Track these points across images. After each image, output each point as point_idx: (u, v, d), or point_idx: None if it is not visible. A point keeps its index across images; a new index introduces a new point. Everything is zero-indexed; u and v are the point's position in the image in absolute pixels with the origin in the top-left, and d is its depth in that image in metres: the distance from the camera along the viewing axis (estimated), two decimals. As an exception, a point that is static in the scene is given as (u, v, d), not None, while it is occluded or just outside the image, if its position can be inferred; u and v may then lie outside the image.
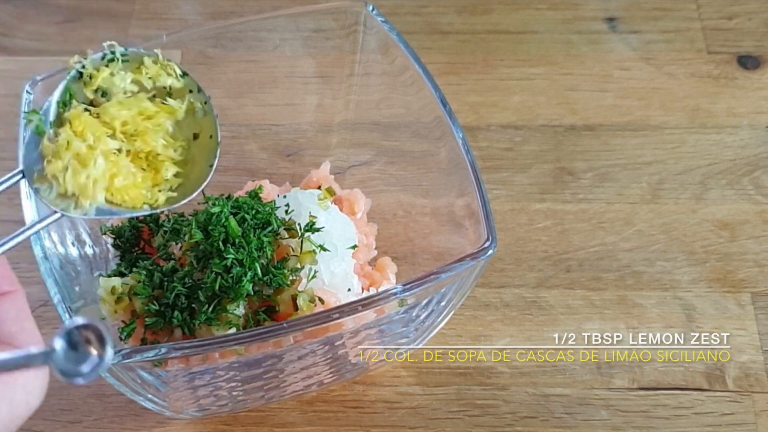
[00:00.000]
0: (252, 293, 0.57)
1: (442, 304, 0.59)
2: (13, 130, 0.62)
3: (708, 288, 0.68)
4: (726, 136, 0.76)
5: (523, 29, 0.84)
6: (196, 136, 0.55)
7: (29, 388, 0.42)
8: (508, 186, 0.73)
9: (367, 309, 0.53)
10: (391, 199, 0.68)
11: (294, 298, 0.57)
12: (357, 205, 0.65)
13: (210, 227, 0.58)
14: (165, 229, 0.61)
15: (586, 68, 0.81)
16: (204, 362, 0.54)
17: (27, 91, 0.61)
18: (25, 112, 0.56)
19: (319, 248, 0.59)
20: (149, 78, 0.55)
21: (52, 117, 0.52)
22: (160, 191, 0.53)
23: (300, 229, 0.59)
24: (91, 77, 0.53)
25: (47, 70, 0.64)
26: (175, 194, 0.53)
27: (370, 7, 0.66)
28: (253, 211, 0.58)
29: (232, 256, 0.56)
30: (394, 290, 0.53)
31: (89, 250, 0.63)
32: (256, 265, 0.57)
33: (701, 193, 0.73)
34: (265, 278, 0.57)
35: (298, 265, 0.58)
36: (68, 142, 0.51)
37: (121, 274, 0.60)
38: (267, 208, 0.59)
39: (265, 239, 0.58)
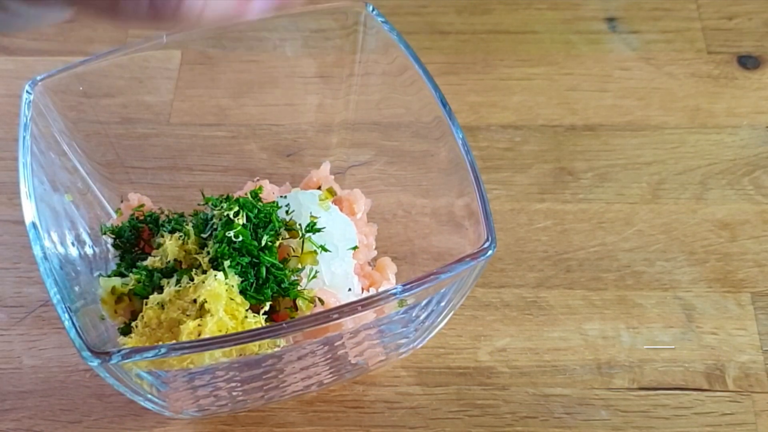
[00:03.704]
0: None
1: (442, 304, 0.59)
2: (13, 130, 0.62)
3: (708, 288, 0.68)
4: (726, 136, 0.76)
5: (523, 29, 0.84)
6: None
7: None
8: (508, 186, 0.73)
9: (366, 309, 0.53)
10: (391, 199, 0.68)
11: (294, 299, 0.58)
12: (357, 205, 0.65)
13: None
14: (165, 229, 0.61)
15: (586, 68, 0.81)
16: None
17: (27, 91, 0.61)
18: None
19: (321, 249, 0.59)
20: None
21: None
22: None
23: (301, 229, 0.59)
24: None
25: (47, 70, 0.64)
26: None
27: (370, 7, 0.66)
28: (255, 211, 0.59)
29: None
30: (393, 290, 0.53)
31: (89, 250, 0.63)
32: (263, 268, 0.57)
33: (701, 193, 0.73)
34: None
35: (299, 266, 0.59)
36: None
37: (121, 274, 0.60)
38: (267, 208, 0.59)
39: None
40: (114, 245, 0.63)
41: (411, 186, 0.67)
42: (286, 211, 0.60)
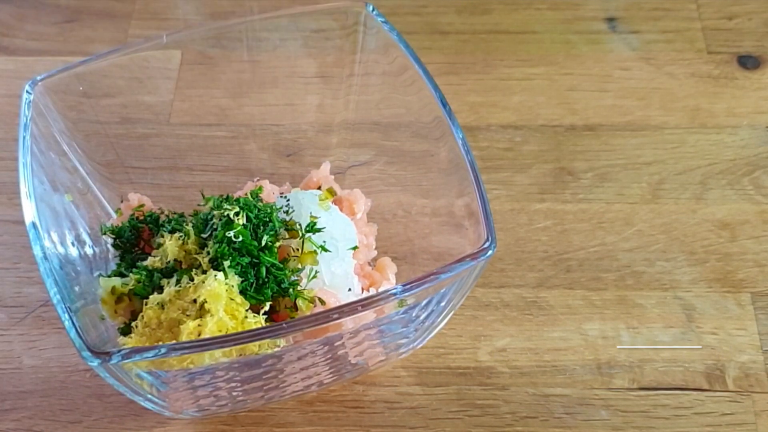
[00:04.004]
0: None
1: (442, 304, 0.59)
2: (13, 130, 0.62)
3: (708, 288, 0.68)
4: (726, 136, 0.76)
5: (523, 29, 0.84)
6: None
7: None
8: (508, 186, 0.73)
9: (366, 309, 0.53)
10: (391, 199, 0.68)
11: (294, 299, 0.57)
12: (357, 205, 0.65)
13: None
14: (165, 229, 0.61)
15: (586, 68, 0.81)
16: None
17: (27, 91, 0.61)
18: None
19: (321, 249, 0.59)
20: None
21: None
22: None
23: (301, 229, 0.59)
24: None
25: (47, 70, 0.64)
26: None
27: (370, 7, 0.66)
28: (255, 211, 0.59)
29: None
30: (393, 290, 0.53)
31: (89, 250, 0.63)
32: (263, 268, 0.57)
33: (701, 193, 0.73)
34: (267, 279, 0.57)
35: (299, 266, 0.59)
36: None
37: (121, 274, 0.60)
38: (267, 208, 0.59)
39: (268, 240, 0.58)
40: (114, 245, 0.63)
41: (411, 186, 0.67)
42: (286, 212, 0.60)
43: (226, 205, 0.58)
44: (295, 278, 0.58)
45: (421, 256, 0.66)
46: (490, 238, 0.55)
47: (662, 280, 0.68)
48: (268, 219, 0.58)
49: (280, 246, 0.59)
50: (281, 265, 0.58)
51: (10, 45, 0.83)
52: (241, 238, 0.57)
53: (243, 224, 0.57)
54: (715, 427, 0.61)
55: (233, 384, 0.59)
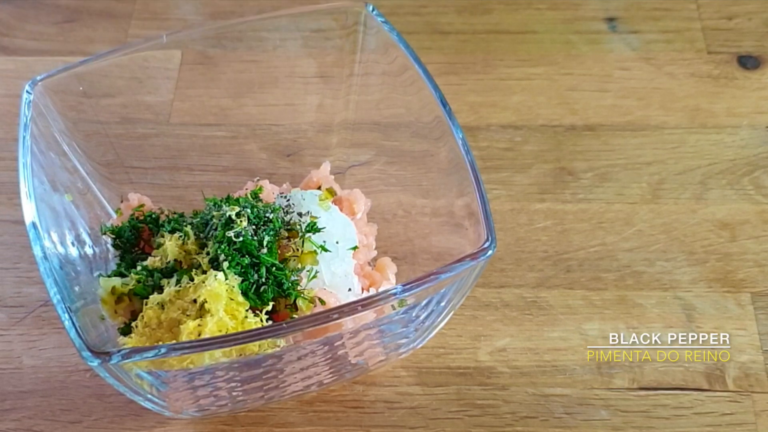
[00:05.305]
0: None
1: (442, 304, 0.59)
2: (13, 130, 0.62)
3: (708, 288, 0.68)
4: (726, 136, 0.76)
5: (523, 29, 0.84)
6: None
7: None
8: (508, 186, 0.73)
9: (366, 309, 0.53)
10: (391, 199, 0.68)
11: (294, 299, 0.57)
12: (357, 205, 0.65)
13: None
14: (165, 229, 0.61)
15: (586, 68, 0.81)
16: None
17: (27, 91, 0.62)
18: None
19: (321, 249, 0.59)
20: None
21: None
22: None
23: (301, 229, 0.59)
24: None
25: (47, 70, 0.64)
26: None
27: (370, 7, 0.66)
28: (256, 211, 0.59)
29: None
30: (393, 290, 0.53)
31: (89, 250, 0.63)
32: (263, 268, 0.57)
33: (701, 193, 0.73)
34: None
35: (299, 266, 0.59)
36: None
37: (121, 275, 0.60)
38: (267, 208, 0.59)
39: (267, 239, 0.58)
40: (114, 245, 0.63)
41: (411, 186, 0.67)
42: (286, 211, 0.60)
43: (225, 206, 0.58)
44: (295, 278, 0.58)
45: (421, 256, 0.66)
46: (490, 238, 0.55)
47: (662, 280, 0.68)
48: (268, 219, 0.58)
49: (279, 246, 0.59)
50: (281, 265, 0.58)
51: (10, 45, 0.83)
52: (241, 239, 0.57)
53: (244, 225, 0.57)
54: (715, 427, 0.61)
55: (233, 384, 0.59)
